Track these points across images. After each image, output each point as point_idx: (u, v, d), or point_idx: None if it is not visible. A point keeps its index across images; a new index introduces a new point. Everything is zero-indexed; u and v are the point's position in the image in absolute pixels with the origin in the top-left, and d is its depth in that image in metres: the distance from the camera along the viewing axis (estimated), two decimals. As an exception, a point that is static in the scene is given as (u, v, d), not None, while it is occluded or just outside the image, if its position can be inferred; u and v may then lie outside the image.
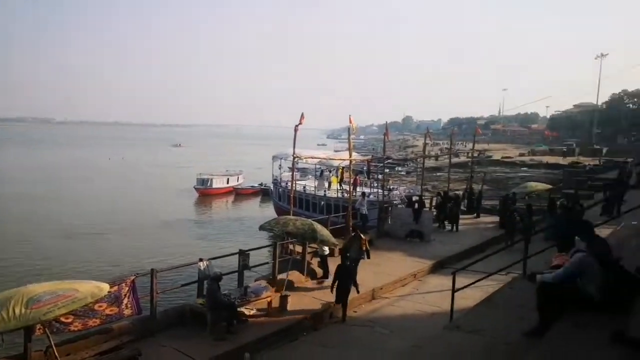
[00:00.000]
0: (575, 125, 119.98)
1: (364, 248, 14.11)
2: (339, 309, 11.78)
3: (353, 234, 14.58)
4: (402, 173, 59.28)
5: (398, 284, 14.56)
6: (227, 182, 50.27)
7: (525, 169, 63.70)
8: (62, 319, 8.87)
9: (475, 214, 25.35)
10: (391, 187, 29.96)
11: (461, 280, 10.68)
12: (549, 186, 27.78)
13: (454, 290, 10.35)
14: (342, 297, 11.67)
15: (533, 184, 28.66)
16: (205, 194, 47.30)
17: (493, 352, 6.32)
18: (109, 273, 19.38)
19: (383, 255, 17.41)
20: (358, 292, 12.66)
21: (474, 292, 12.13)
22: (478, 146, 51.98)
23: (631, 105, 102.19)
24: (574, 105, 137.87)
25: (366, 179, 31.60)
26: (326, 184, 30.98)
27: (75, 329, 9.35)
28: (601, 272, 5.47)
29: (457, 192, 29.03)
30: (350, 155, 20.74)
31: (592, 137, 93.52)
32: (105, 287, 8.26)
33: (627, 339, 4.53)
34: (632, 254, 7.72)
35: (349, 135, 20.44)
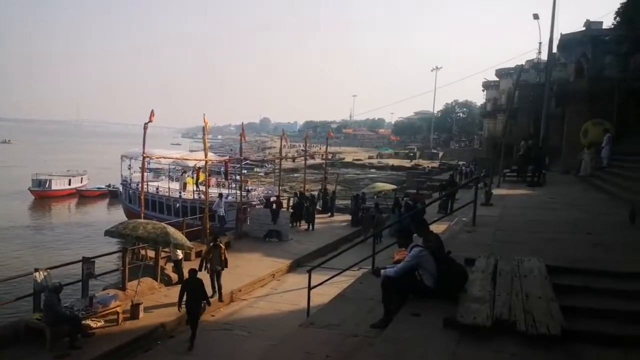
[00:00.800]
0: (416, 131, 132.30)
1: (223, 257, 13.41)
2: None
3: (212, 244, 13.66)
4: (261, 174, 59.73)
5: (257, 284, 14.67)
6: (69, 184, 45.92)
7: (373, 170, 68.49)
8: None
9: (329, 213, 26.51)
10: (250, 188, 29.99)
11: (317, 278, 11.09)
12: (394, 186, 30.19)
13: (309, 288, 10.73)
14: (192, 316, 10.50)
15: (380, 184, 30.89)
16: (43, 196, 42.60)
17: (343, 345, 6.67)
18: None
19: (242, 256, 17.39)
20: (221, 300, 12.74)
21: (329, 288, 12.66)
22: (331, 149, 54.49)
23: (461, 114, 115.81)
24: (414, 113, 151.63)
25: (224, 179, 31.22)
26: (180, 185, 30.01)
27: None
28: (435, 264, 6.10)
29: (313, 192, 30.11)
30: (206, 155, 20.31)
31: (430, 142, 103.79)
32: None
33: (456, 323, 5.12)
34: (461, 247, 8.72)
35: (204, 135, 20.05)
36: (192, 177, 30.26)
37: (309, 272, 10.92)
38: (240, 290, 13.86)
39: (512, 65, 56.34)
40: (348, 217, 25.39)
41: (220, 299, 12.92)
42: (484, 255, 7.33)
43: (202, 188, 26.85)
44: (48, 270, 10.93)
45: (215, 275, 13.02)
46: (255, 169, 60.83)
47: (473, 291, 5.89)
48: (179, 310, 10.81)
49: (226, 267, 13.49)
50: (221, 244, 13.80)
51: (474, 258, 7.25)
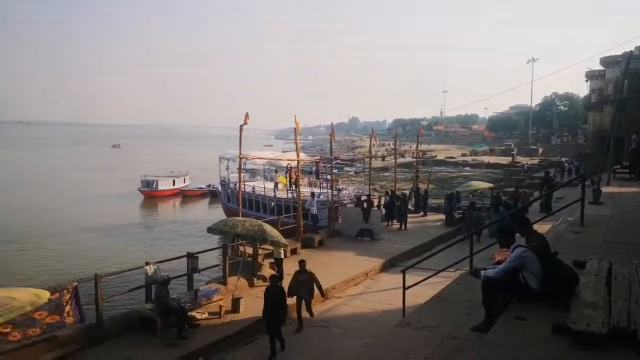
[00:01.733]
0: (512, 126, 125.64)
1: (316, 285, 11.62)
2: (294, 309, 11.58)
3: (298, 270, 11.60)
4: (351, 173, 59.98)
5: (350, 283, 14.75)
6: (174, 184, 49.16)
7: (467, 168, 66.08)
8: (0, 329, 8.44)
9: (422, 212, 26.02)
10: (341, 187, 30.27)
11: (412, 278, 10.94)
12: (490, 185, 28.95)
13: (404, 288, 10.61)
14: (272, 327, 9.88)
15: (476, 182, 29.78)
16: (151, 196, 46.01)
17: (442, 347, 6.52)
18: (50, 280, 18.48)
19: (335, 254, 17.61)
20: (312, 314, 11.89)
21: (424, 289, 12.45)
22: (422, 147, 53.42)
23: (562, 107, 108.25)
24: (510, 107, 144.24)
25: (315, 179, 31.78)
26: (273, 185, 31.01)
27: (14, 339, 8.89)
28: (541, 265, 5.75)
29: (404, 191, 29.72)
30: (298, 156, 20.80)
31: (529, 138, 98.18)
32: (45, 295, 7.94)
33: (567, 330, 4.79)
34: (568, 248, 8.18)
35: (295, 136, 20.53)
36: (286, 177, 31.10)
37: (404, 272, 10.81)
38: (334, 288, 14.01)
39: (619, 53, 51.75)
40: (442, 216, 24.76)
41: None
42: (595, 257, 6.80)
43: (295, 187, 27.58)
44: (157, 264, 11.76)
45: (304, 302, 11.44)
46: (345, 169, 61.21)
47: (585, 296, 5.48)
48: (264, 319, 10.25)
49: (322, 296, 12.02)
50: (311, 271, 11.81)
51: (584, 260, 6.75)
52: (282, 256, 14.43)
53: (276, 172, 34.39)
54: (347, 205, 24.26)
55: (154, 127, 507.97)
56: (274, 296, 10.04)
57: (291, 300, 11.12)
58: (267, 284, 13.61)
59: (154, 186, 46.91)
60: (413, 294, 10.98)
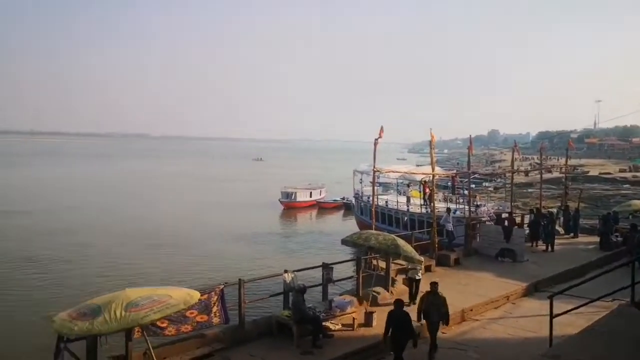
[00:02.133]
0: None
1: (445, 310, 10.59)
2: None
3: (430, 290, 10.77)
4: (490, 189, 56.95)
5: (489, 305, 13.88)
6: (311, 196, 51.03)
7: (627, 185, 58.85)
8: (158, 324, 9.34)
9: (572, 234, 23.71)
10: (478, 203, 28.86)
11: (560, 305, 9.99)
12: (657, 205, 25.43)
13: (552, 316, 9.70)
14: (396, 353, 9.53)
15: (637, 202, 26.40)
16: (290, 207, 48.27)
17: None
18: (198, 282, 20.18)
19: (472, 275, 16.76)
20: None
21: (574, 318, 11.30)
22: (572, 161, 48.75)
23: None
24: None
25: (451, 194, 30.73)
26: (405, 199, 30.61)
27: (169, 333, 9.81)
28: None
29: (550, 209, 27.39)
30: (433, 169, 20.26)
31: None
32: (196, 295, 8.57)
33: None
34: None
35: (431, 149, 20.01)
36: (419, 191, 30.53)
37: (551, 297, 9.89)
38: (471, 310, 13.30)
39: None
40: (595, 238, 22.30)
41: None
42: None
43: (429, 202, 26.92)
44: (295, 272, 12.20)
45: (431, 329, 10.50)
46: (483, 184, 58.31)
47: None
48: (383, 342, 9.81)
49: (446, 324, 10.78)
50: (441, 293, 10.97)
51: None
52: (419, 276, 13.59)
53: (408, 186, 33.95)
54: (486, 222, 23.01)
55: (298, 142, 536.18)
56: (397, 321, 9.50)
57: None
58: (404, 298, 13.52)
59: (293, 197, 49.14)
60: (561, 323, 10.02)
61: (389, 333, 9.56)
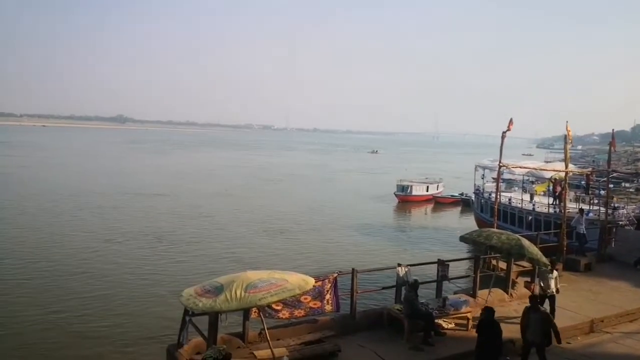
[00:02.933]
0: None
1: (552, 330, 9.23)
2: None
3: (530, 306, 9.40)
4: (630, 190, 51.19)
5: (624, 318, 12.48)
6: (427, 190, 49.85)
7: None
8: (274, 306, 9.74)
9: None
10: (616, 205, 26.06)
11: None
12: None
13: None
14: None
15: None
16: (405, 200, 47.62)
17: None
18: (311, 268, 20.74)
19: (604, 283, 15.20)
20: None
21: None
22: None
23: None
24: None
25: (584, 194, 28.12)
26: (529, 196, 28.63)
27: (284, 316, 10.18)
28: None
29: None
30: (567, 166, 18.62)
31: None
32: (311, 281, 8.75)
33: None
34: None
35: (565, 144, 18.41)
36: (548, 189, 28.39)
37: None
38: (602, 321, 12.06)
39: None
40: None
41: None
42: None
43: (558, 202, 24.92)
44: (408, 267, 11.99)
45: (535, 348, 9.21)
46: (623, 184, 52.57)
47: None
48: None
49: (558, 342, 9.43)
50: (543, 308, 9.95)
51: None
52: (553, 292, 11.76)
53: (533, 183, 31.69)
54: (625, 226, 20.70)
55: (423, 135, 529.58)
56: (485, 332, 8.64)
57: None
58: (519, 303, 12.65)
59: (408, 191, 48.38)
60: None
61: (478, 345, 8.69)
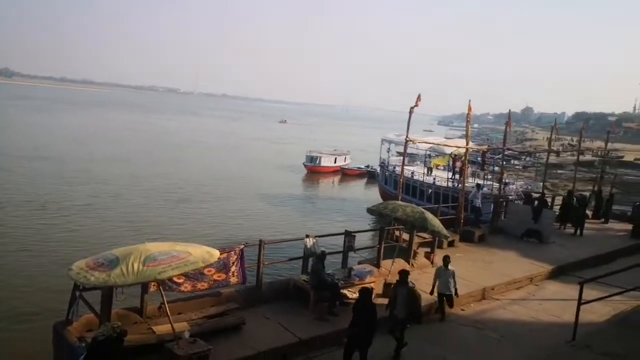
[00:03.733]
0: None
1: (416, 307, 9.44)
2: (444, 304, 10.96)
3: (399, 279, 9.57)
4: (519, 167, 55.65)
5: (511, 286, 13.48)
6: (335, 162, 50.59)
7: (664, 173, 56.92)
8: (175, 279, 9.24)
9: (602, 219, 22.90)
10: (507, 181, 28.06)
11: (585, 292, 9.56)
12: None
13: (580, 303, 9.30)
14: (355, 347, 8.26)
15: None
16: (314, 171, 48.01)
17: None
18: (216, 240, 20.22)
19: (496, 253, 16.34)
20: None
21: (600, 307, 10.89)
22: (609, 146, 46.75)
23: None
24: None
25: (480, 170, 29.94)
26: (425, 169, 30.10)
27: (185, 289, 9.72)
28: None
29: (582, 193, 26.49)
30: (468, 143, 19.57)
31: None
32: (216, 253, 8.37)
33: None
34: None
35: (467, 122, 19.28)
36: (448, 164, 29.88)
37: (582, 284, 9.48)
38: (493, 289, 12.93)
39: None
40: (627, 226, 21.52)
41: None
42: None
43: (458, 177, 26.30)
44: (316, 238, 11.96)
45: (397, 326, 9.15)
46: (512, 161, 56.99)
47: None
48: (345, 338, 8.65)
49: (419, 322, 9.70)
50: (412, 285, 9.73)
51: None
52: (453, 291, 10.98)
53: (430, 157, 33.26)
54: (514, 201, 22.35)
55: (333, 108, 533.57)
56: (361, 315, 8.27)
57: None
58: (420, 272, 13.20)
59: (317, 162, 48.80)
60: (585, 310, 9.60)
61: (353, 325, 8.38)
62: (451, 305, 11.04)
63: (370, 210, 13.02)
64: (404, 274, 9.62)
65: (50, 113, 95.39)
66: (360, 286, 11.08)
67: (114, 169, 38.05)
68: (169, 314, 8.17)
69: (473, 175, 28.79)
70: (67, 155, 42.45)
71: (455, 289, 10.93)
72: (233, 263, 10.30)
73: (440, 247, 15.22)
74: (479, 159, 33.53)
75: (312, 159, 48.93)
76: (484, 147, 32.90)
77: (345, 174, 49.15)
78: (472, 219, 19.49)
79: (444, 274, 10.88)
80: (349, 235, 12.65)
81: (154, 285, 8.79)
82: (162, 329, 8.42)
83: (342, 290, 10.76)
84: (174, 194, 30.98)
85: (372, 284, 11.22)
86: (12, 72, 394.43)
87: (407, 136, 17.94)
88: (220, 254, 9.46)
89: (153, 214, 25.94)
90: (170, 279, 8.89)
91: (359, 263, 13.47)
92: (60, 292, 11.78)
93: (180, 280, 9.50)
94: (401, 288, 9.37)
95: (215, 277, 10.05)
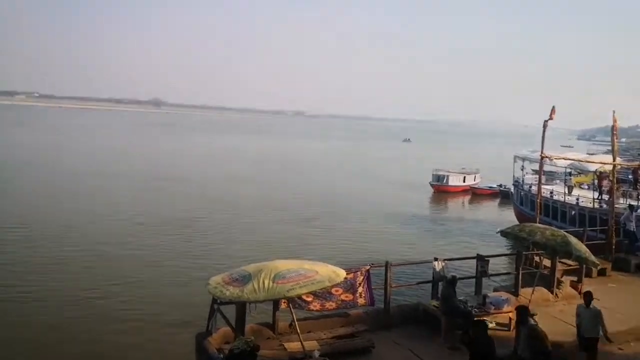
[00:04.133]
0: None
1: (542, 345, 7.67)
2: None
3: (517, 317, 8.47)
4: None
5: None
6: (464, 181, 48.63)
7: None
8: (304, 297, 9.42)
9: None
10: (668, 202, 24.58)
11: None
12: None
13: None
14: None
15: None
16: (441, 190, 46.60)
17: None
18: (342, 259, 20.24)
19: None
20: None
21: None
22: None
23: None
24: None
25: (632, 189, 26.64)
26: (566, 189, 27.34)
27: (314, 308, 9.84)
28: None
29: None
30: (615, 159, 17.53)
31: None
32: (342, 273, 8.38)
33: None
34: None
35: (612, 135, 17.33)
36: (592, 182, 27.07)
37: None
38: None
39: None
40: None
41: None
42: None
43: (605, 197, 23.68)
44: (445, 261, 11.42)
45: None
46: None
47: None
48: None
49: None
50: (535, 322, 8.47)
51: None
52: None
53: (571, 175, 30.29)
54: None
55: (457, 124, 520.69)
56: (477, 343, 7.48)
57: None
58: (565, 304, 11.89)
59: (445, 181, 47.30)
60: None
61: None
62: (594, 352, 9.04)
63: (504, 233, 12.09)
64: (521, 311, 8.33)
65: (194, 135, 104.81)
66: (496, 315, 10.38)
67: (250, 190, 40.40)
68: (299, 331, 8.26)
69: (624, 195, 25.73)
70: (206, 177, 46.14)
71: (604, 332, 8.97)
72: (360, 284, 10.22)
73: (588, 275, 13.61)
74: (630, 176, 29.91)
75: (439, 177, 47.55)
76: (637, 164, 29.25)
77: (476, 194, 46.84)
78: (625, 244, 17.30)
79: (585, 314, 9.07)
80: (481, 260, 11.90)
81: (284, 302, 9.03)
82: (293, 346, 8.56)
83: (476, 319, 10.06)
84: (304, 214, 31.94)
85: (510, 313, 10.36)
86: (161, 101, 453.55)
87: (542, 152, 16.59)
88: (347, 274, 9.44)
89: (284, 232, 26.97)
90: (299, 297, 9.07)
91: (494, 290, 12.57)
92: (201, 306, 12.54)
93: (309, 299, 9.64)
94: (522, 327, 8.20)
95: (342, 297, 10.04)
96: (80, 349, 13.08)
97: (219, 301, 8.19)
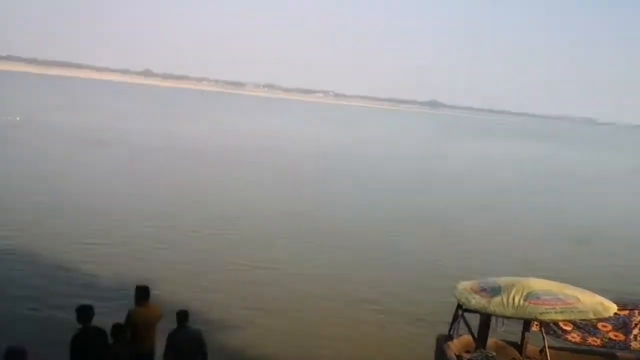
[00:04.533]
0: None
1: None
2: None
3: None
4: None
5: None
6: None
7: None
8: (561, 325, 8.57)
9: None
10: None
11: None
12: None
13: None
14: None
15: None
16: None
17: None
18: (615, 291, 17.22)
19: None
20: None
21: None
22: None
23: None
24: None
25: None
26: None
27: (573, 339, 8.83)
28: None
29: None
30: None
31: None
32: (612, 308, 7.39)
33: None
34: None
35: None
36: None
37: None
38: None
39: None
40: None
41: None
42: None
43: None
44: None
45: None
46: None
47: None
48: None
49: None
50: None
51: None
52: None
53: None
54: None
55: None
56: None
57: None
58: None
59: None
60: None
61: None
62: None
63: None
64: None
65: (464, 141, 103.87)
66: None
67: (526, 199, 37.94)
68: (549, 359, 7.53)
69: None
70: (473, 180, 45.22)
71: None
72: (636, 325, 8.64)
73: None
74: None
75: None
76: None
77: None
78: None
79: None
80: None
81: (536, 324, 8.36)
82: (540, 374, 7.86)
83: None
84: (573, 233, 28.48)
85: None
86: (438, 102, 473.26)
87: None
88: (619, 309, 8.14)
89: (545, 249, 24.59)
90: (555, 323, 8.26)
91: None
92: (443, 307, 12.35)
93: (568, 328, 8.69)
94: None
95: (611, 335, 8.71)
96: (328, 332, 13.74)
97: (464, 307, 8.06)
